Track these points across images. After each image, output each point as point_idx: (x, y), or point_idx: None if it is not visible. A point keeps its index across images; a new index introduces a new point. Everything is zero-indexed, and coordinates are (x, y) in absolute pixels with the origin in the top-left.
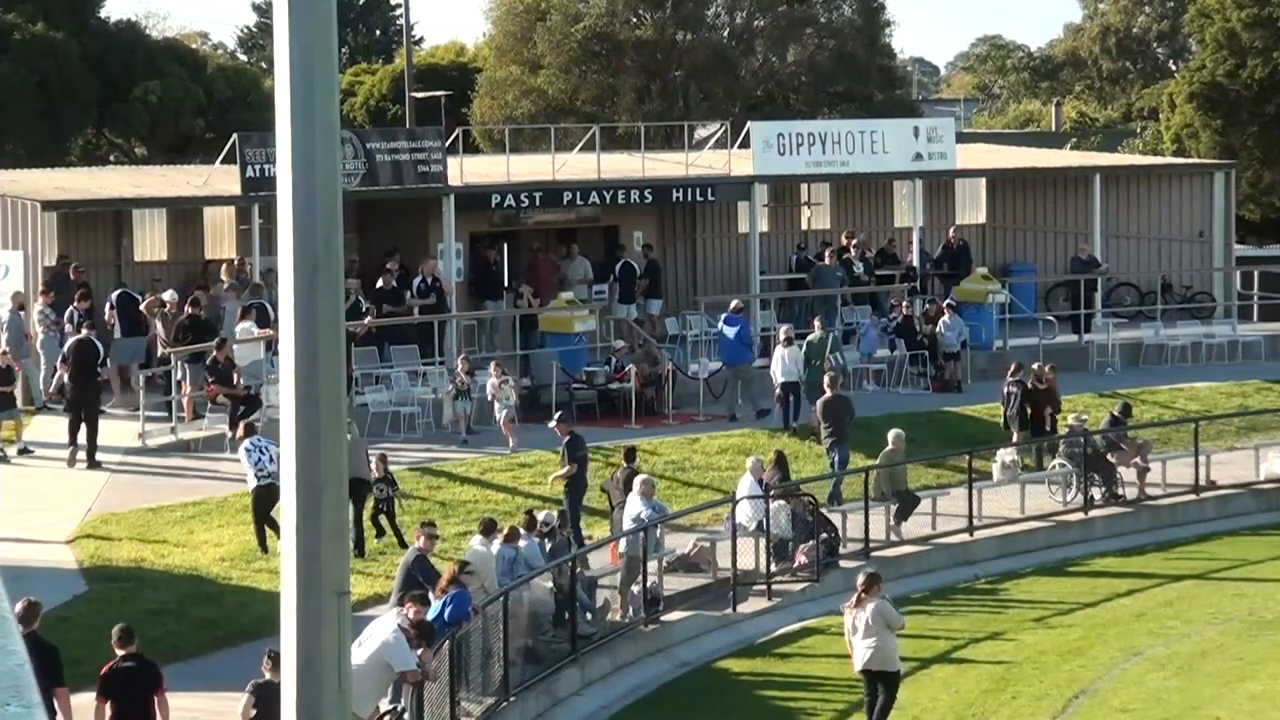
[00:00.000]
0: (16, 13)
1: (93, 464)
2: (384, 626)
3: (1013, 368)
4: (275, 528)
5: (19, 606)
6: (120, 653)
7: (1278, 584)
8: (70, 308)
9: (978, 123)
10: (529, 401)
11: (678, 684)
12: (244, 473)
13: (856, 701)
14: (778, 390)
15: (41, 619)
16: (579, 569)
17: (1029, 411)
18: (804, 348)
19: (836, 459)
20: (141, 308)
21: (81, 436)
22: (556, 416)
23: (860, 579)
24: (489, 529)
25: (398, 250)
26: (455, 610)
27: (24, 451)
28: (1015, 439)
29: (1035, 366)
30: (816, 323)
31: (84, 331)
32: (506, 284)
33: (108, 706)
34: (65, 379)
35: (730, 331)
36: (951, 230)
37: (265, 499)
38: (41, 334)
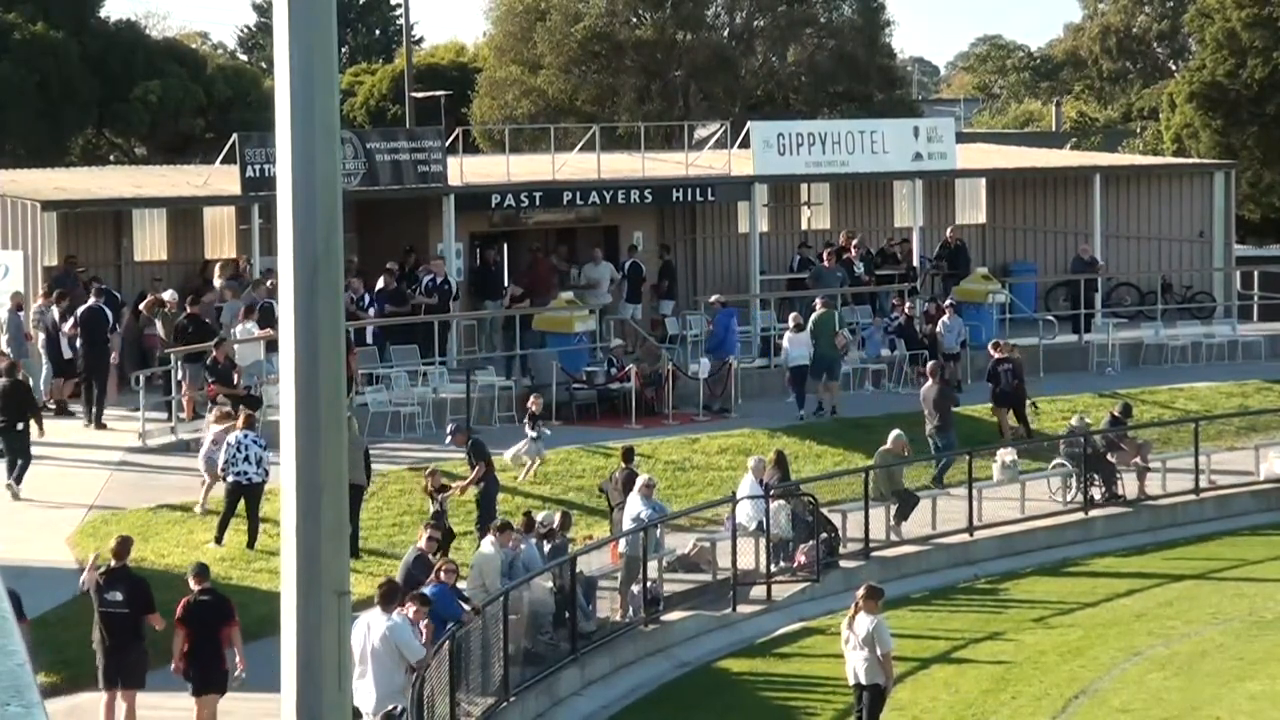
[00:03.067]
0: (16, 13)
1: (99, 425)
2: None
3: (999, 346)
4: (255, 526)
5: (113, 541)
6: (196, 588)
7: (1278, 584)
8: (49, 307)
9: (978, 123)
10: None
11: (678, 684)
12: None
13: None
14: (788, 375)
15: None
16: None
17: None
18: (810, 325)
19: (942, 446)
20: (141, 307)
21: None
22: (451, 428)
23: (861, 590)
24: (503, 529)
25: (414, 250)
26: (439, 604)
27: None
28: (1007, 422)
29: (1001, 343)
30: (819, 301)
31: (92, 298)
32: (506, 284)
33: (185, 635)
34: (77, 344)
35: (732, 324)
36: (949, 230)
37: (235, 495)
38: (41, 335)
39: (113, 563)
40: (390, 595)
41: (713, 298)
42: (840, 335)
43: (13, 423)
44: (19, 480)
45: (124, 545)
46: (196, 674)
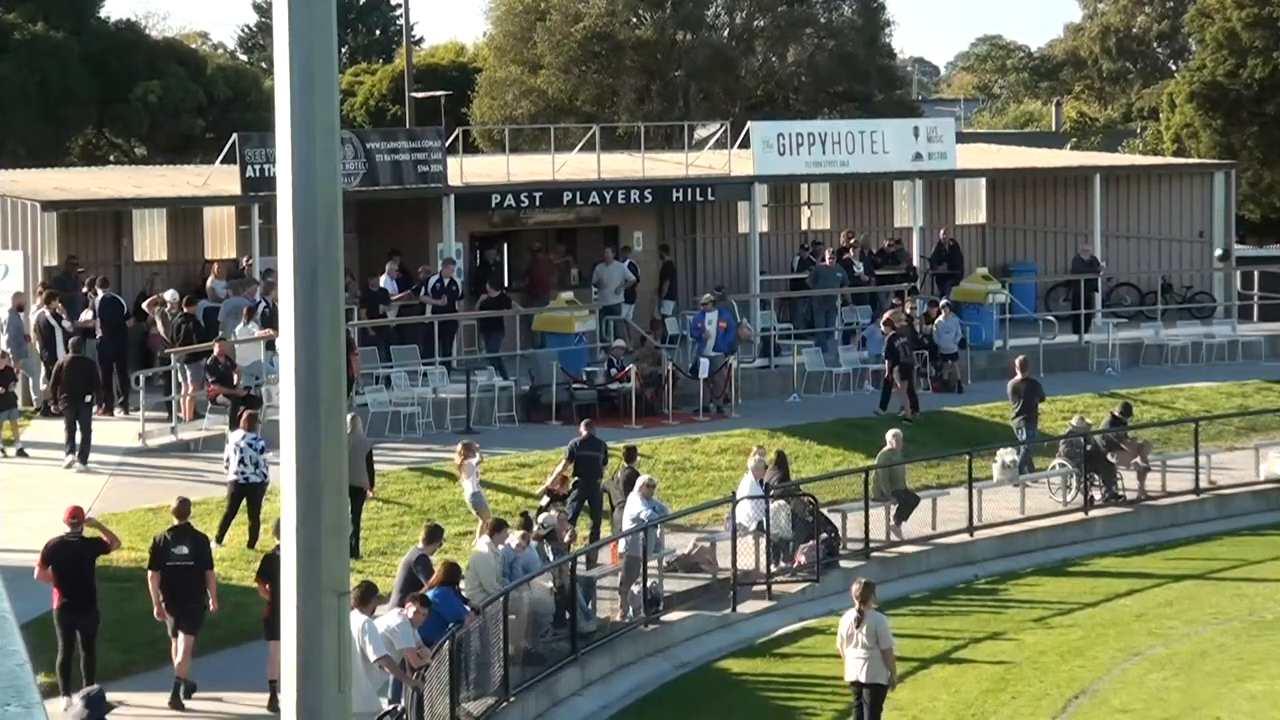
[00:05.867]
0: (16, 13)
1: (124, 409)
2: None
3: (890, 322)
4: (256, 526)
5: (174, 502)
6: (277, 542)
7: (1278, 584)
8: (38, 307)
9: (978, 123)
10: (529, 401)
11: (678, 684)
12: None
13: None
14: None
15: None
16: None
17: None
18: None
19: (1025, 437)
20: (144, 306)
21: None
22: (585, 422)
23: (856, 588)
24: (497, 529)
25: (397, 253)
26: (442, 606)
27: (20, 453)
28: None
29: (891, 317)
30: (710, 294)
31: (100, 292)
32: (506, 284)
33: (268, 588)
34: (97, 333)
35: (730, 321)
36: (942, 231)
37: (236, 496)
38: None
39: (176, 521)
40: (365, 596)
41: (704, 297)
42: (744, 326)
43: (80, 396)
44: (85, 459)
45: (184, 505)
46: (277, 622)
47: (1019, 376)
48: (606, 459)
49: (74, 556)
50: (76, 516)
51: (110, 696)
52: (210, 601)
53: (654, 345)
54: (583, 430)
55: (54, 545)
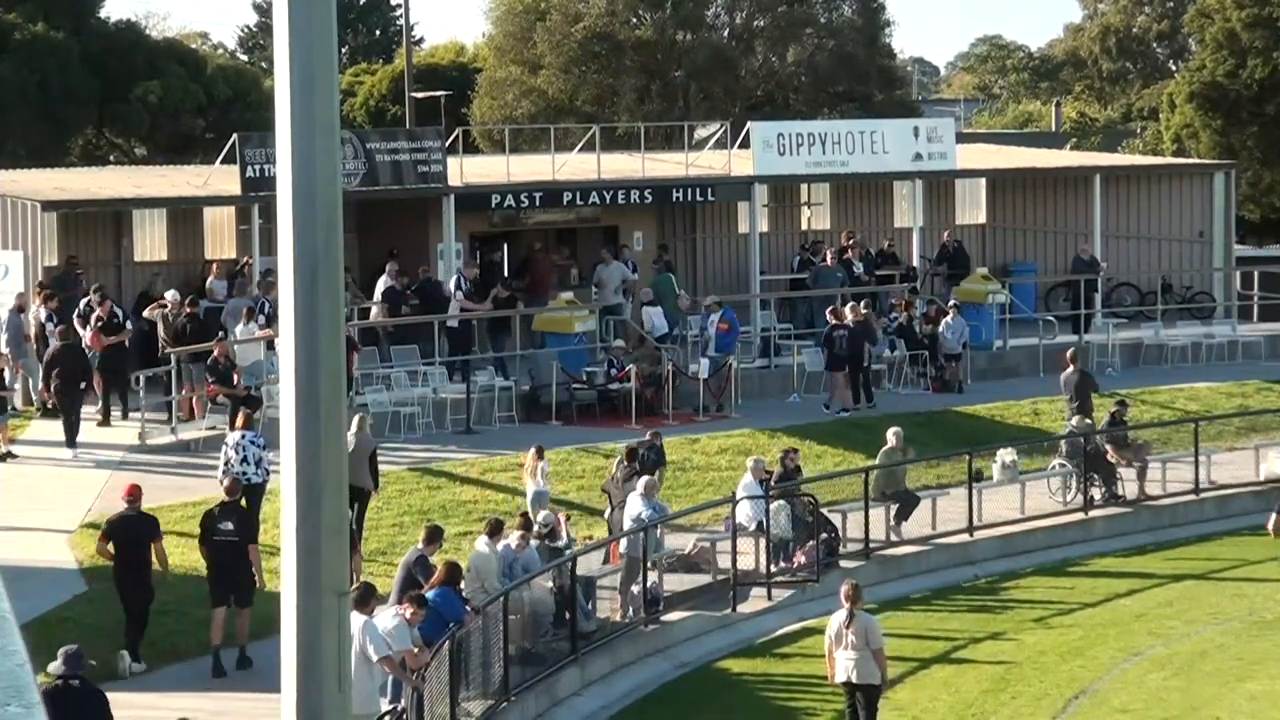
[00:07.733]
0: (16, 13)
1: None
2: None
3: (835, 312)
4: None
5: (227, 482)
6: None
7: (1278, 584)
8: (36, 307)
9: (978, 123)
10: (529, 401)
11: (678, 684)
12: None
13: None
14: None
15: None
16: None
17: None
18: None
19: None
20: (146, 313)
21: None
22: (651, 432)
23: (846, 588)
24: (495, 529)
25: (396, 254)
26: (443, 606)
27: (10, 456)
28: (842, 386)
29: (836, 309)
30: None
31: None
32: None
33: None
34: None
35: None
36: (945, 233)
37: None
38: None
39: (226, 499)
40: (364, 598)
41: (707, 300)
42: (682, 297)
43: (76, 383)
44: (72, 443)
45: (235, 484)
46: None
47: (1070, 369)
48: (664, 465)
49: (133, 532)
50: (134, 494)
51: (111, 696)
52: (256, 575)
53: (653, 345)
54: (648, 437)
55: (115, 521)
